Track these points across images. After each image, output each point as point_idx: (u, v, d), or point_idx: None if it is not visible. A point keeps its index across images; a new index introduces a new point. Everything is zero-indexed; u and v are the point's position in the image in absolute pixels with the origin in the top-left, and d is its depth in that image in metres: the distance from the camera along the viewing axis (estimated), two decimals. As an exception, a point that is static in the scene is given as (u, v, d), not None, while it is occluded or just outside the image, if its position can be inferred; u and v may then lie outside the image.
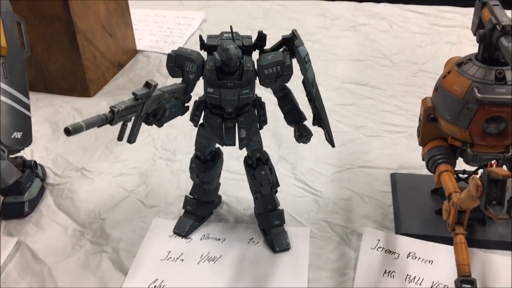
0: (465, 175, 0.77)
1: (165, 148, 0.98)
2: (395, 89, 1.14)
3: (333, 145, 0.69)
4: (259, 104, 0.70)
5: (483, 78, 0.64)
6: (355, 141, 0.98)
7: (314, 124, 0.69)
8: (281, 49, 0.67)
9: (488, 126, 0.64)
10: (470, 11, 1.33)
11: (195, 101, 0.69)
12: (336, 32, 1.41)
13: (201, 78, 0.66)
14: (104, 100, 1.13)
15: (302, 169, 0.91)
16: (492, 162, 0.72)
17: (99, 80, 1.17)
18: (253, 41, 0.66)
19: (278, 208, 0.76)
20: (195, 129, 0.72)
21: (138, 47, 1.33)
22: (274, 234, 0.76)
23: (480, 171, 0.74)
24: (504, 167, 0.70)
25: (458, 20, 1.42)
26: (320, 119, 0.68)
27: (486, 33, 0.63)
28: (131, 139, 0.59)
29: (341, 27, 1.43)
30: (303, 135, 0.69)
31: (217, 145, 0.74)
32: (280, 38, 0.66)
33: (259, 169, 0.72)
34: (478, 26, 0.69)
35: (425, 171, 0.87)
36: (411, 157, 0.92)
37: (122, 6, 1.24)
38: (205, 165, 0.74)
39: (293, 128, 0.70)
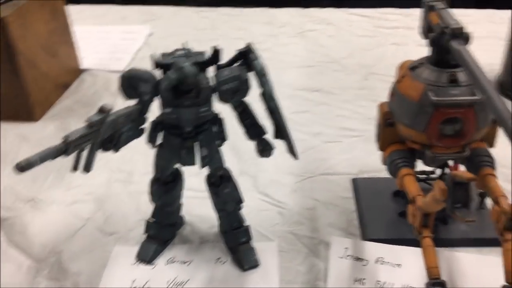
0: (424, 176, 0.78)
1: (121, 170, 0.94)
2: (348, 93, 1.15)
3: (296, 157, 0.68)
4: (218, 121, 0.68)
5: (436, 80, 0.65)
6: (313, 148, 0.98)
7: (276, 137, 0.68)
8: (236, 64, 0.66)
9: (444, 128, 0.65)
10: (412, 12, 1.35)
11: (152, 122, 0.67)
12: (285, 39, 1.41)
13: (156, 98, 0.64)
14: (51, 123, 1.08)
15: (264, 181, 0.90)
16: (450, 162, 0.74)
17: (44, 103, 1.12)
18: (207, 57, 0.65)
19: (244, 224, 0.75)
20: (151, 148, 0.69)
21: (83, 66, 1.28)
22: (242, 251, 0.74)
23: (438, 171, 0.76)
24: (463, 167, 0.71)
25: (401, 21, 1.45)
26: (283, 131, 0.67)
27: (436, 36, 0.64)
28: (87, 168, 0.56)
29: (289, 34, 1.44)
30: (265, 149, 0.68)
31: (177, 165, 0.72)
32: (234, 51, 0.65)
33: (223, 187, 0.70)
34: (427, 30, 0.71)
35: (385, 174, 0.88)
36: (370, 161, 0.93)
37: (63, 24, 1.19)
38: (166, 187, 0.71)
39: (251, 141, 0.69)
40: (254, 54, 0.64)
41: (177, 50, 0.64)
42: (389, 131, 0.72)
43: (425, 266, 0.62)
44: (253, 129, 0.68)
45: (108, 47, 1.39)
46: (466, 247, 0.74)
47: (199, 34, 1.44)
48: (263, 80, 0.64)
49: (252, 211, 0.83)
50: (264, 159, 0.88)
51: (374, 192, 0.85)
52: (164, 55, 0.64)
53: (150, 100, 0.63)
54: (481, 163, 0.68)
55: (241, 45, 0.65)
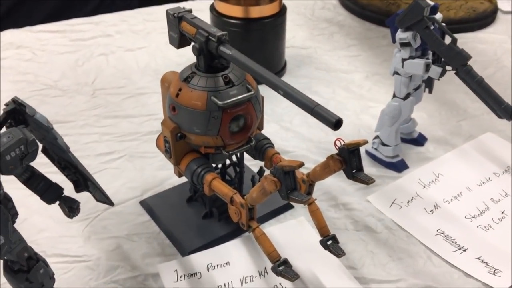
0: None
1: None
2: (84, 116, 1.08)
3: (112, 203, 0.62)
4: (6, 197, 0.55)
5: (215, 86, 0.68)
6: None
7: (79, 191, 0.61)
8: (6, 125, 0.55)
9: (231, 126, 0.70)
10: (101, 18, 1.33)
11: None
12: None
13: None
14: None
15: (47, 242, 0.78)
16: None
17: None
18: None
19: (63, 297, 0.65)
20: None
21: None
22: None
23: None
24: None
25: (95, 30, 1.41)
26: (88, 181, 0.59)
27: (202, 45, 0.67)
28: None
29: (-23, 68, 1.23)
30: (73, 208, 0.60)
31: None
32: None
33: (36, 268, 0.59)
34: (181, 40, 0.73)
35: (167, 186, 0.89)
36: (146, 178, 0.91)
37: None
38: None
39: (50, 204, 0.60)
40: (29, 108, 0.54)
41: None
42: (180, 144, 0.72)
43: (265, 253, 0.67)
44: (51, 190, 0.59)
45: None
46: (267, 221, 0.83)
47: None
48: (52, 133, 0.56)
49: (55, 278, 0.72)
50: (28, 221, 0.78)
51: (168, 206, 0.85)
52: None
53: None
54: (264, 146, 0.76)
55: None
